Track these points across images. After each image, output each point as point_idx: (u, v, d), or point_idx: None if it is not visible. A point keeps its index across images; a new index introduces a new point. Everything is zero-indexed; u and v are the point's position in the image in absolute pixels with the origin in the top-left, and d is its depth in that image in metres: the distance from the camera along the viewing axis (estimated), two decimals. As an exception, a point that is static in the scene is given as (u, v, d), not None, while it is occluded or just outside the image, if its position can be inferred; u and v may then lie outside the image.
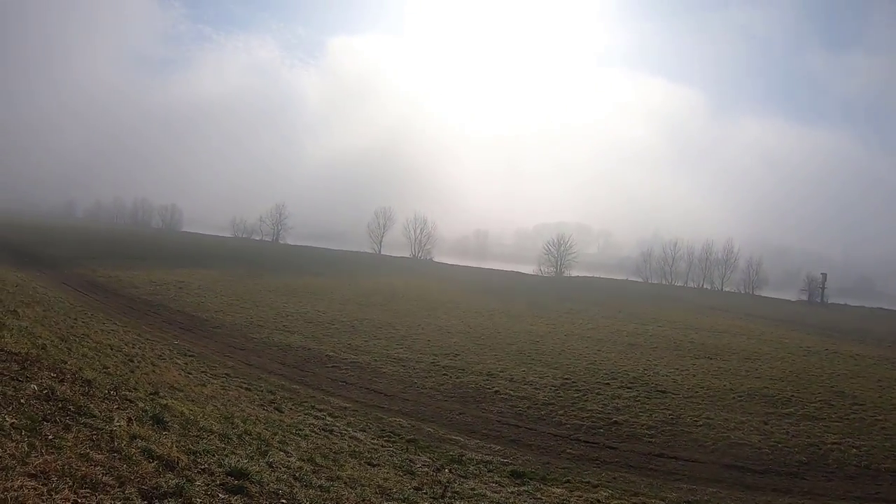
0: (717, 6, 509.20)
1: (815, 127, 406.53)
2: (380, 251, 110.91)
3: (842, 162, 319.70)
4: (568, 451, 14.45)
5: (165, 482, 5.41)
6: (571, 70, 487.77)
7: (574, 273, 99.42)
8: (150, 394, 10.23)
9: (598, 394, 19.04)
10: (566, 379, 20.55)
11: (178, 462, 6.11)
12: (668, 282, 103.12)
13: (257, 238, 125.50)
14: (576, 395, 18.74)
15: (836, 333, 44.33)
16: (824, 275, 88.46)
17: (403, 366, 21.24)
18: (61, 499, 4.46)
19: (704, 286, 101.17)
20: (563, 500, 11.09)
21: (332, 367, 20.66)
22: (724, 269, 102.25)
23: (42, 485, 4.56)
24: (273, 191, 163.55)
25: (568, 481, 12.23)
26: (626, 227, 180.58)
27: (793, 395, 20.23)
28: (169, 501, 5.09)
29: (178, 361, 17.62)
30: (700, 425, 16.62)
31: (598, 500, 11.35)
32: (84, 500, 4.59)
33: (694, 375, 22.56)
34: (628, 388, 19.98)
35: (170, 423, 8.01)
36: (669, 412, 17.59)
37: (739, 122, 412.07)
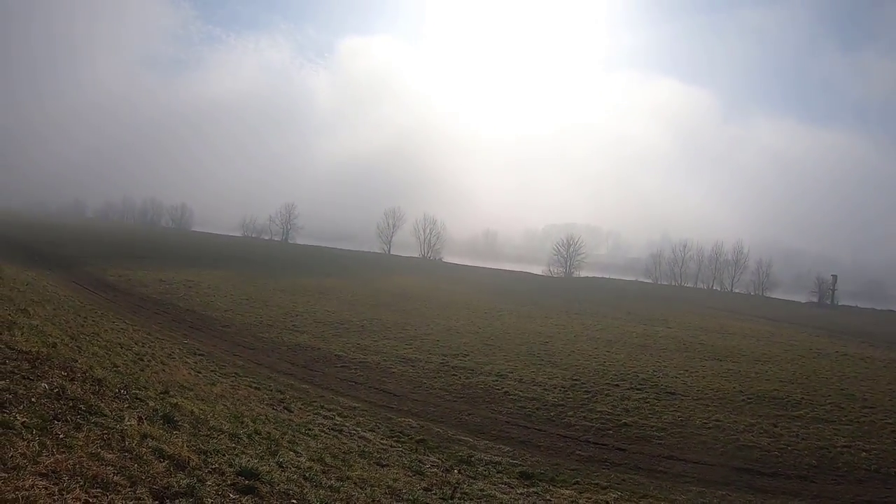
0: (729, 6, 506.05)
1: (826, 129, 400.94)
2: (389, 251, 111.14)
3: (853, 164, 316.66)
4: (577, 452, 14.38)
5: (176, 482, 5.42)
6: (581, 71, 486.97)
7: (583, 274, 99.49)
8: (161, 393, 10.27)
9: (607, 395, 18.95)
10: (575, 380, 20.48)
11: (188, 462, 6.12)
12: (677, 283, 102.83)
13: (267, 238, 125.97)
14: (585, 397, 18.66)
15: (846, 336, 43.97)
16: (834, 277, 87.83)
17: (413, 366, 21.24)
18: (73, 498, 4.47)
19: (714, 288, 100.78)
20: (573, 501, 11.05)
21: (342, 367, 20.69)
22: (733, 271, 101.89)
23: (53, 484, 4.57)
24: (283, 191, 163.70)
25: (577, 483, 12.19)
26: (636, 228, 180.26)
27: (802, 398, 20.04)
28: (180, 501, 5.10)
29: (188, 360, 17.69)
30: (709, 427, 16.50)
31: (607, 502, 11.31)
32: (95, 499, 4.60)
33: (703, 377, 22.41)
34: (637, 389, 19.88)
35: (180, 423, 8.02)
36: (679, 414, 17.48)
37: (751, 123, 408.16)
